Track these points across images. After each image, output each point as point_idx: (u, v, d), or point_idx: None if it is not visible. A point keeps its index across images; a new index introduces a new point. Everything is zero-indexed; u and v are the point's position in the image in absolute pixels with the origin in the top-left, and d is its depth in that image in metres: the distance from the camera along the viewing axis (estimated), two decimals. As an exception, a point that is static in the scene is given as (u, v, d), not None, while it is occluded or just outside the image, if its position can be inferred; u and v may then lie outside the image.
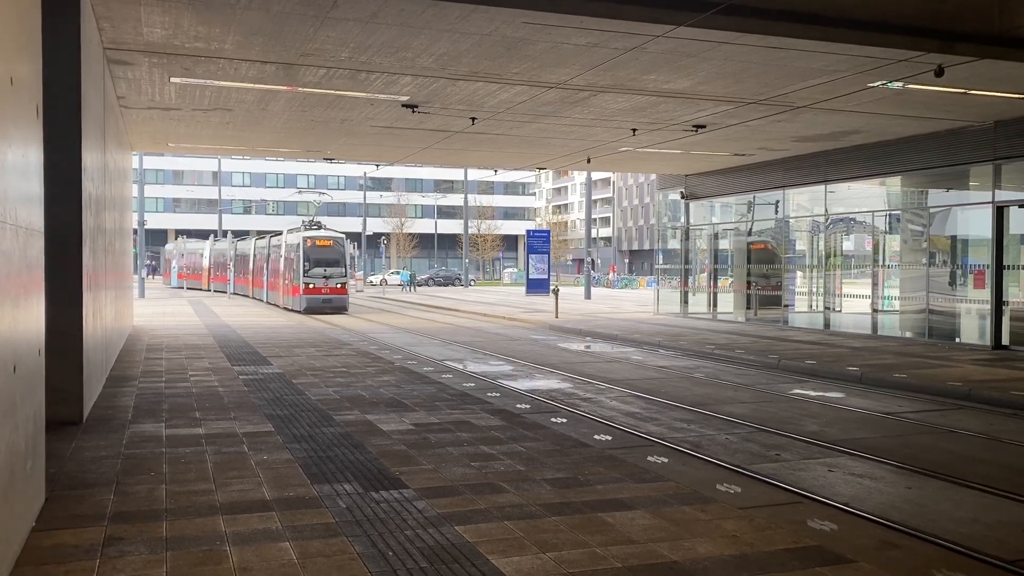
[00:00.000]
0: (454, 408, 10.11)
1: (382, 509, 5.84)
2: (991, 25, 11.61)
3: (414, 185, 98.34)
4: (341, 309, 32.83)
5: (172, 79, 14.33)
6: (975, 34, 11.88)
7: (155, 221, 72.58)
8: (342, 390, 11.42)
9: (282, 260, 35.62)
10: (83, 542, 5.06)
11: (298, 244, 33.45)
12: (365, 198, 76.24)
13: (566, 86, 14.69)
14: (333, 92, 15.19)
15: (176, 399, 10.45)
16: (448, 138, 20.06)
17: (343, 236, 35.29)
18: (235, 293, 46.81)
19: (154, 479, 6.57)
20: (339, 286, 33.05)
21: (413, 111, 16.50)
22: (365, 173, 78.70)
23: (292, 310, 33.26)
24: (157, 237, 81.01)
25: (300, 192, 78.52)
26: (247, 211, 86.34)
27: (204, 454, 7.46)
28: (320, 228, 35.17)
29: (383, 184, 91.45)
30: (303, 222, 37.14)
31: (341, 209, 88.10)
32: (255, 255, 42.71)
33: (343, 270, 33.55)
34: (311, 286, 32.33)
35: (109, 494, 6.12)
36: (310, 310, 32.00)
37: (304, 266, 32.57)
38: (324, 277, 32.64)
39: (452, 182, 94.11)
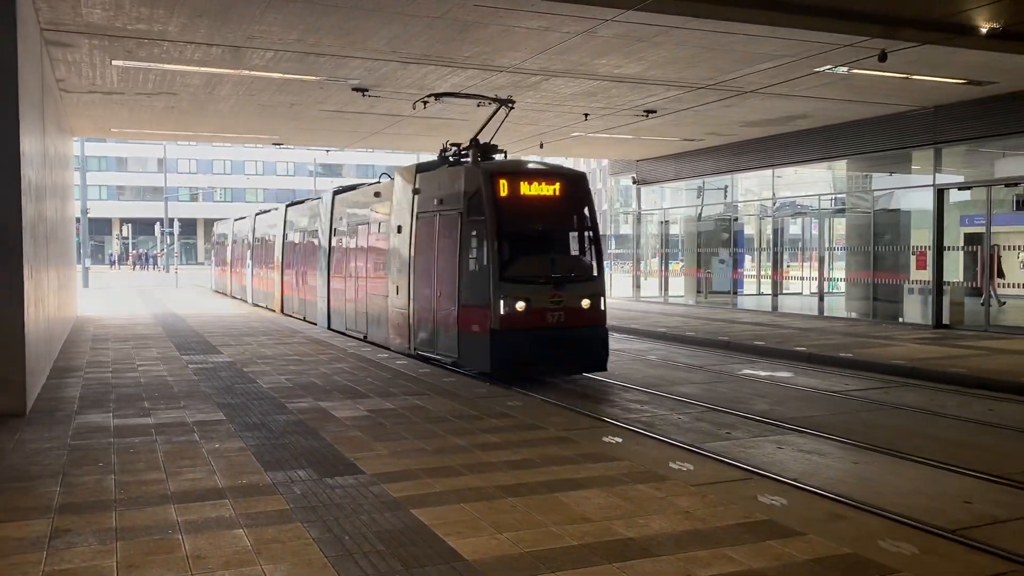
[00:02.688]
0: (409, 393, 10.08)
1: (337, 494, 5.80)
2: (932, 11, 11.87)
3: (366, 171, 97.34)
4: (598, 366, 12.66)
5: (114, 62, 13.95)
6: (917, 20, 12.16)
7: (98, 209, 70.71)
8: (295, 378, 11.30)
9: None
10: (28, 535, 4.94)
11: (461, 190, 12.55)
12: (315, 184, 75.31)
13: (518, 70, 14.66)
14: (281, 75, 14.94)
15: (124, 389, 10.24)
16: (399, 122, 19.90)
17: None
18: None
19: (102, 470, 6.44)
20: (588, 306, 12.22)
21: (364, 95, 16.32)
22: (315, 159, 77.71)
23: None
24: (100, 226, 79.03)
25: (249, 178, 77.17)
26: (193, 198, 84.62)
27: (154, 444, 7.33)
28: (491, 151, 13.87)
29: (334, 170, 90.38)
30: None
31: (291, 196, 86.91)
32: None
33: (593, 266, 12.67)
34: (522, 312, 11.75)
35: (55, 486, 5.98)
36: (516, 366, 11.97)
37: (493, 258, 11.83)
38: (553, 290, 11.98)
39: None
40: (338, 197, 19.53)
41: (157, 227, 69.05)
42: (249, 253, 29.30)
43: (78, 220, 33.39)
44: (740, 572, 4.45)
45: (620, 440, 7.82)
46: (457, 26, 11.94)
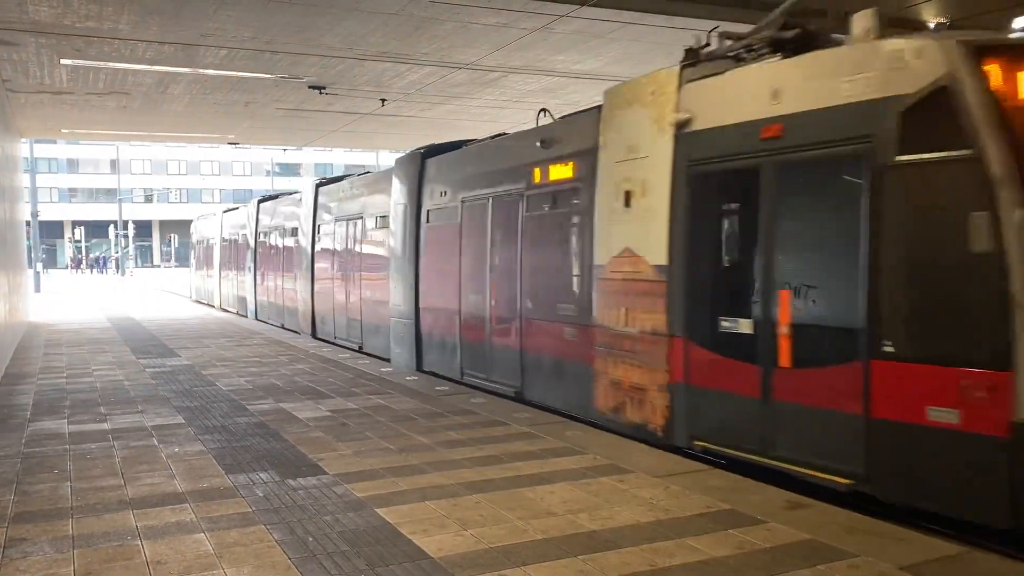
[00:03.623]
0: (372, 393, 10.02)
1: (300, 496, 5.75)
2: (882, 5, 12.08)
3: (323, 170, 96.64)
4: None
5: (62, 60, 13.65)
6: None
7: (49, 212, 69.10)
8: (255, 379, 11.17)
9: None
10: (-18, 545, 4.82)
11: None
12: (273, 185, 74.50)
13: (476, 67, 14.64)
14: (236, 74, 14.76)
15: (79, 395, 10.03)
16: (357, 120, 19.76)
17: None
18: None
19: (58, 477, 6.31)
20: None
21: (320, 92, 16.18)
22: (272, 159, 76.79)
23: None
24: (52, 229, 77.29)
25: (204, 179, 76.03)
26: (148, 200, 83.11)
27: (111, 449, 7.19)
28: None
29: (291, 170, 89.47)
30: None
31: (247, 196, 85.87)
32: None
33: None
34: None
35: (9, 495, 5.84)
36: None
37: None
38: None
39: (364, 167, 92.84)
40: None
41: (111, 229, 67.67)
42: (250, 254, 23.12)
43: (28, 223, 32.60)
44: (703, 561, 4.50)
45: (583, 434, 7.86)
46: (413, 23, 11.89)
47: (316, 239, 17.18)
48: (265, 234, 21.59)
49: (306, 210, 17.71)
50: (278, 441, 7.46)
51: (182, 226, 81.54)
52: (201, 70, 14.46)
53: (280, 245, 20.09)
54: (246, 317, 22.95)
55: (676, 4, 11.31)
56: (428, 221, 11.99)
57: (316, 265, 17.15)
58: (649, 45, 13.59)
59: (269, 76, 14.99)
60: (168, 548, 4.74)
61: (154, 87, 15.95)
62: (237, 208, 25.86)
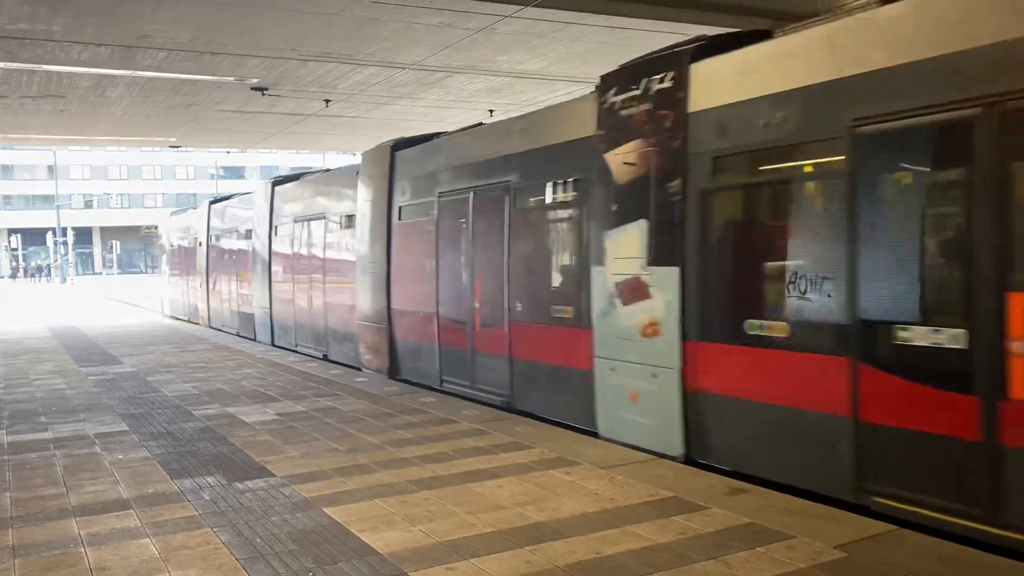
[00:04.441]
0: (320, 395, 9.98)
1: (247, 498, 5.73)
2: (816, 5, 12.42)
3: (269, 172, 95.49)
4: None
5: (-6, 63, 13.32)
6: (803, 13, 12.68)
7: (-16, 220, 67.08)
8: (201, 384, 11.03)
9: None
10: (-83, 559, 4.71)
11: None
12: (217, 188, 73.31)
13: (420, 67, 14.66)
14: (176, 76, 14.55)
15: (18, 405, 9.80)
16: (302, 121, 19.61)
17: None
18: None
19: (-4, 488, 6.17)
20: None
21: (264, 94, 16.03)
22: (216, 162, 75.66)
23: None
24: (-13, 237, 74.99)
25: (147, 183, 74.56)
26: (88, 205, 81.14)
27: (53, 458, 7.05)
28: None
29: (236, 172, 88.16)
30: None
31: (191, 201, 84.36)
32: None
33: None
34: None
35: (-55, 507, 5.71)
36: None
37: None
38: None
39: (311, 168, 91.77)
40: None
41: (49, 237, 65.89)
42: (201, 259, 21.35)
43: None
44: (647, 548, 4.61)
45: (534, 430, 7.94)
46: (356, 23, 11.87)
47: (273, 241, 16.30)
48: (217, 237, 20.47)
49: (261, 211, 16.83)
50: (224, 445, 7.39)
51: (124, 232, 79.85)
52: (140, 72, 14.23)
53: (234, 248, 19.13)
54: (198, 324, 22.15)
55: (615, 4, 11.48)
56: (400, 219, 11.27)
57: (274, 269, 16.29)
58: (592, 45, 13.77)
59: (210, 78, 14.80)
60: (112, 554, 4.69)
61: (91, 90, 15.63)
62: (185, 211, 24.64)
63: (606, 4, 11.48)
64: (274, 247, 16.30)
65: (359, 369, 12.17)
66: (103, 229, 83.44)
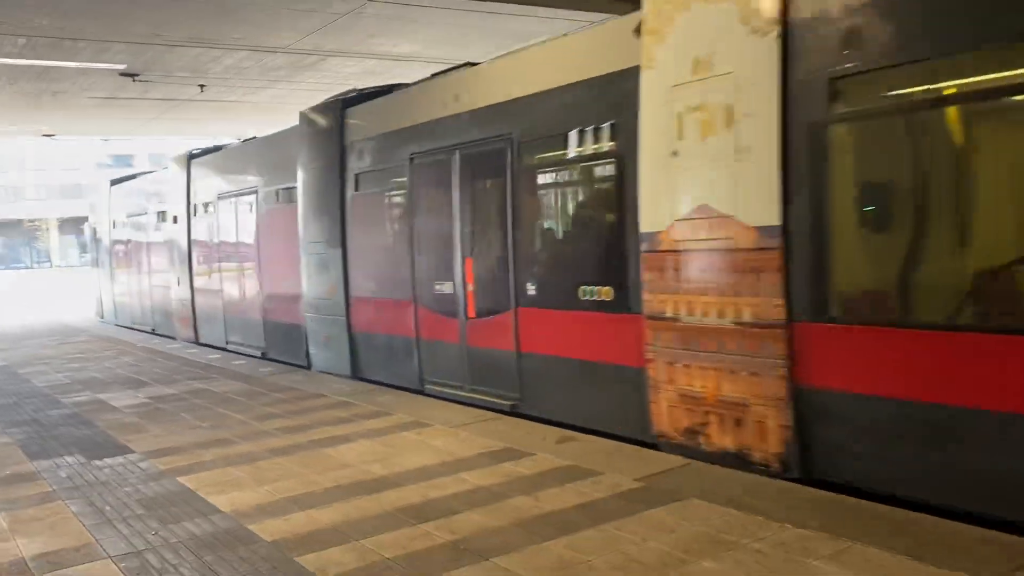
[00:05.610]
0: (194, 379, 10.13)
1: (104, 473, 5.94)
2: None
3: (159, 159, 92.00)
4: None
5: None
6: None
7: None
8: (74, 374, 10.99)
9: None
10: None
11: None
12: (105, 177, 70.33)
13: (292, 50, 14.71)
14: (37, 62, 14.18)
15: None
16: (178, 107, 19.29)
17: None
18: None
19: None
20: None
21: (134, 80, 15.76)
22: (105, 151, 72.54)
23: None
24: None
25: (26, 174, 70.98)
26: (-38, 199, 76.62)
27: (-92, 450, 7.05)
28: None
29: (124, 161, 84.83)
30: None
31: (76, 191, 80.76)
32: None
33: None
34: None
35: None
36: None
37: None
38: None
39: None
40: None
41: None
42: (103, 246, 19.68)
43: None
44: (471, 490, 5.10)
45: (396, 398, 8.33)
46: (221, 8, 11.86)
47: (193, 224, 14.20)
48: (121, 221, 18.22)
49: (177, 189, 14.67)
50: (90, 428, 7.53)
51: (3, 227, 75.83)
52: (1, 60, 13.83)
53: (143, 233, 16.84)
54: (102, 319, 20.18)
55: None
56: (358, 189, 9.53)
57: (195, 255, 14.20)
58: (466, 29, 14.09)
59: (75, 64, 14.49)
60: (-40, 530, 4.87)
61: (-53, 78, 15.09)
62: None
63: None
64: (194, 230, 14.23)
65: (306, 368, 10.66)
66: (-23, 224, 79.04)
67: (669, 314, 5.68)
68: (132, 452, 6.53)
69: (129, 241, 17.87)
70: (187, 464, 6.05)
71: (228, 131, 29.12)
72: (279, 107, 20.78)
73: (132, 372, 10.90)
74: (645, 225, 5.85)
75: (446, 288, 8.16)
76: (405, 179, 8.69)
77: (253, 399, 8.58)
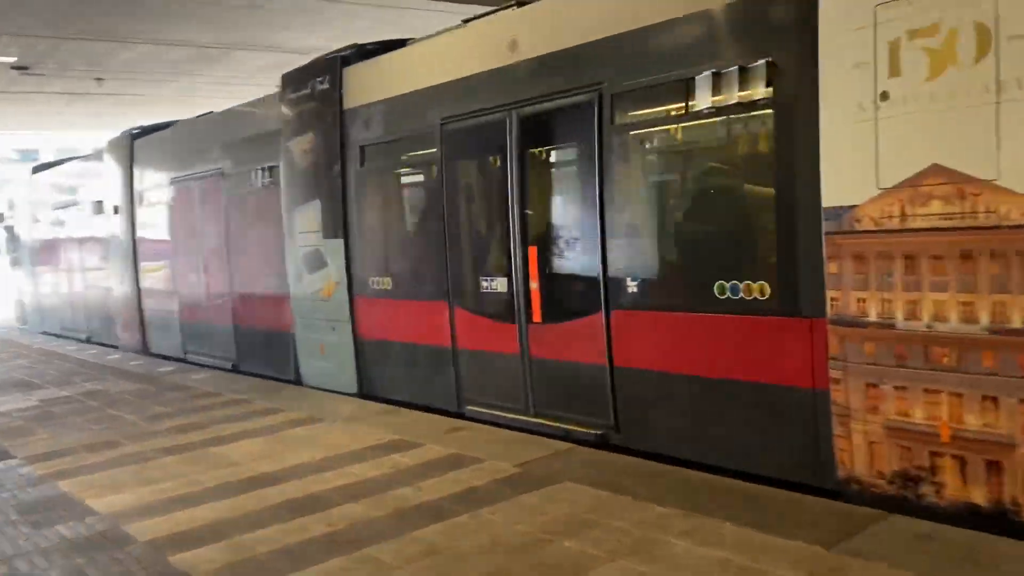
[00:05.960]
0: (89, 380, 9.89)
1: (-20, 480, 5.80)
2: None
3: (65, 153, 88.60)
4: None
5: None
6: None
7: None
8: (-37, 379, 10.60)
9: None
10: None
11: None
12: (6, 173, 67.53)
13: (193, 44, 14.44)
14: (-81, 55, 13.61)
15: None
16: (76, 101, 18.73)
17: None
18: None
19: None
20: None
21: (21, 73, 15.22)
22: (9, 145, 69.52)
23: None
24: None
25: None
26: None
27: None
28: None
29: (29, 156, 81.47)
30: None
31: (-20, 188, 77.32)
32: None
33: None
34: None
35: None
36: None
37: None
38: None
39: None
40: None
41: None
42: (23, 244, 17.28)
43: None
44: (355, 483, 5.16)
45: (298, 394, 8.31)
46: (113, 1, 11.59)
47: (139, 214, 12.19)
48: (46, 214, 15.99)
49: (116, 175, 12.52)
50: (-28, 435, 7.31)
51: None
52: None
53: (74, 227, 14.67)
54: (24, 326, 17.83)
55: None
56: (364, 164, 7.87)
57: (142, 250, 12.23)
58: (370, 22, 14.02)
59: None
60: None
61: None
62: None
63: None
64: (140, 222, 12.20)
65: (293, 383, 8.96)
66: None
67: (874, 318, 4.18)
68: (13, 458, 6.37)
69: (57, 236, 15.47)
70: (69, 468, 5.93)
71: (132, 124, 28.35)
72: (188, 100, 20.28)
73: (26, 375, 10.57)
74: (830, 198, 4.30)
75: (497, 285, 6.53)
76: (434, 150, 6.99)
77: (147, 399, 8.42)
